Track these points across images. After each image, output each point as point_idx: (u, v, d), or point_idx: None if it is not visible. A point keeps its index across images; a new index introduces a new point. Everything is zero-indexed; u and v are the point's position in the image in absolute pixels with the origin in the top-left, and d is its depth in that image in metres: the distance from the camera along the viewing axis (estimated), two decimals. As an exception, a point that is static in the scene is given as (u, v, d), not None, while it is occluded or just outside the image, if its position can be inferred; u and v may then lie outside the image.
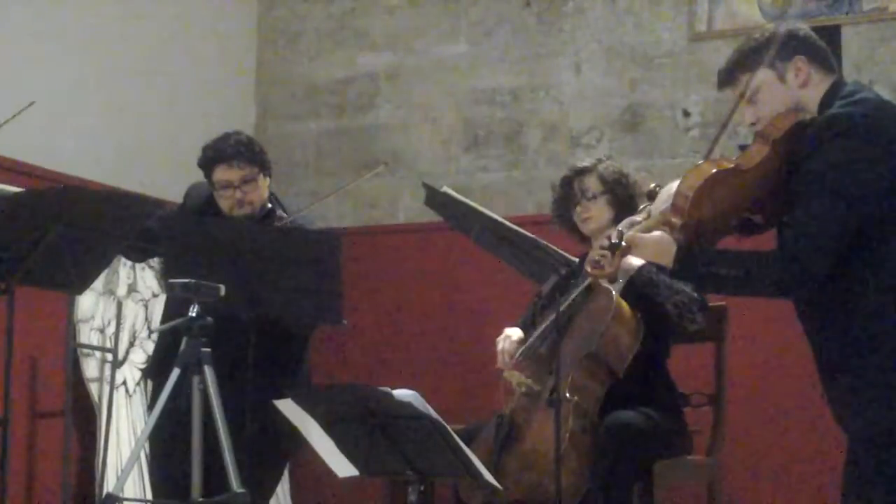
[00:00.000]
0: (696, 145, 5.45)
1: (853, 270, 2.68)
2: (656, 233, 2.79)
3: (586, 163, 3.90)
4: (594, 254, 2.86)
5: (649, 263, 3.58)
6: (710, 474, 3.88)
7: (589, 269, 2.90)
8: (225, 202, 3.69)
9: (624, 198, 3.81)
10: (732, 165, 2.76)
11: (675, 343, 3.86)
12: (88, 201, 3.29)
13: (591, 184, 3.82)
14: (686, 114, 5.48)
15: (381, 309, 5.57)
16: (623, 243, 2.80)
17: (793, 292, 2.77)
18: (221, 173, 3.68)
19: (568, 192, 3.86)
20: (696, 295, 3.63)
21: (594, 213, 3.82)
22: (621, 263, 3.61)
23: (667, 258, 2.77)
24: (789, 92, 2.81)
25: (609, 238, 2.82)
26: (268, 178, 3.79)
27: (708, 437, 3.92)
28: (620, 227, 2.99)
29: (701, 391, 3.95)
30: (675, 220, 2.73)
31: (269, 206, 3.79)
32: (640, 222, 3.05)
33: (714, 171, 2.73)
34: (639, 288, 3.63)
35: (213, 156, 3.69)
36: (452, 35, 5.92)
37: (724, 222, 2.79)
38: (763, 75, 2.81)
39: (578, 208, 3.83)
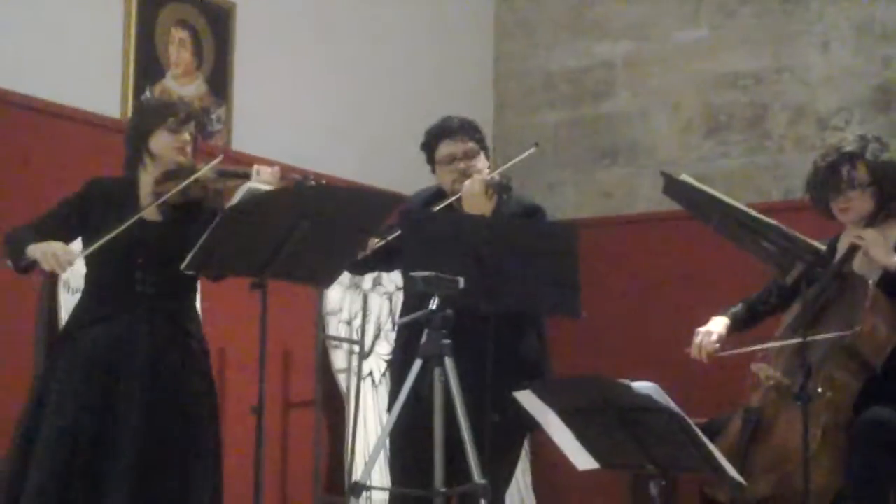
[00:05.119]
0: (955, 123, 5.15)
1: None
2: None
3: (854, 146, 3.59)
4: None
5: None
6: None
7: None
8: (448, 176, 3.72)
9: (891, 192, 3.57)
10: None
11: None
12: (334, 197, 3.39)
13: (860, 173, 3.54)
14: (944, 90, 5.18)
15: (619, 300, 5.52)
16: None
17: None
18: (446, 147, 3.74)
19: (831, 178, 3.58)
20: None
21: (856, 204, 3.55)
22: (879, 258, 3.42)
23: None
24: None
25: None
26: (487, 161, 3.82)
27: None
28: None
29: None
30: None
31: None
32: None
33: None
34: None
35: (438, 132, 3.77)
36: (693, 19, 5.80)
37: None
38: None
39: (840, 197, 3.58)
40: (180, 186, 3.41)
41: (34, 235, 3.35)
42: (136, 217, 3.37)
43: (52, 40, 4.41)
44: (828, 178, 3.60)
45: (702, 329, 3.70)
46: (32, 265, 3.36)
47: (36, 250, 3.30)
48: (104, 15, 4.63)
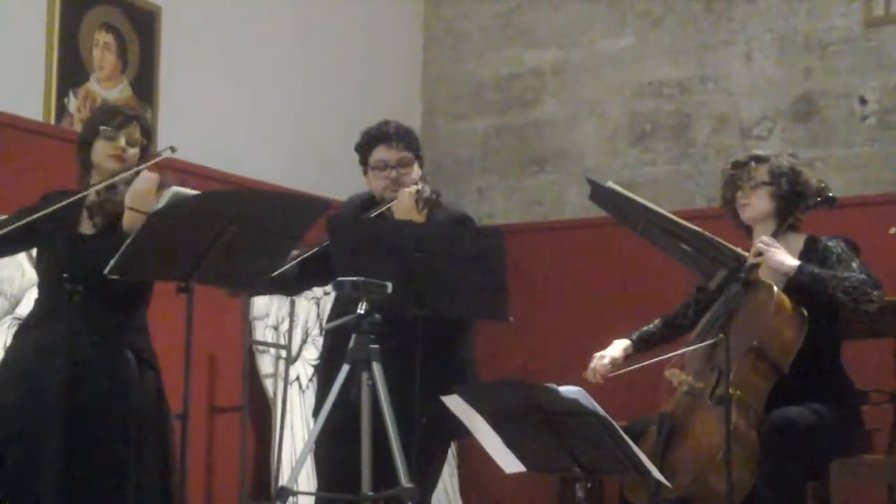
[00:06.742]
0: (873, 134, 5.26)
1: None
2: None
3: (764, 153, 3.83)
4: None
5: (804, 261, 3.52)
6: (890, 474, 3.73)
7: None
8: (379, 182, 3.71)
9: (788, 194, 3.71)
10: None
11: (853, 338, 3.74)
12: (261, 202, 3.37)
13: (760, 172, 3.74)
14: (863, 101, 5.29)
15: (547, 305, 5.56)
16: None
17: None
18: (380, 153, 3.72)
19: (736, 176, 3.78)
20: (864, 276, 3.51)
21: (753, 200, 3.74)
22: (777, 264, 3.53)
23: None
24: None
25: None
26: (421, 171, 3.81)
27: (888, 435, 3.78)
28: None
29: (881, 388, 3.81)
30: None
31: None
32: None
33: None
34: (804, 287, 3.53)
35: (374, 136, 3.74)
36: (619, 28, 5.87)
37: None
38: None
39: (739, 193, 3.76)
40: (82, 193, 3.39)
41: None
42: (40, 214, 3.33)
43: (-27, 42, 4.34)
44: (732, 177, 3.78)
45: (597, 354, 3.86)
46: None
47: None
48: (27, 17, 4.56)
